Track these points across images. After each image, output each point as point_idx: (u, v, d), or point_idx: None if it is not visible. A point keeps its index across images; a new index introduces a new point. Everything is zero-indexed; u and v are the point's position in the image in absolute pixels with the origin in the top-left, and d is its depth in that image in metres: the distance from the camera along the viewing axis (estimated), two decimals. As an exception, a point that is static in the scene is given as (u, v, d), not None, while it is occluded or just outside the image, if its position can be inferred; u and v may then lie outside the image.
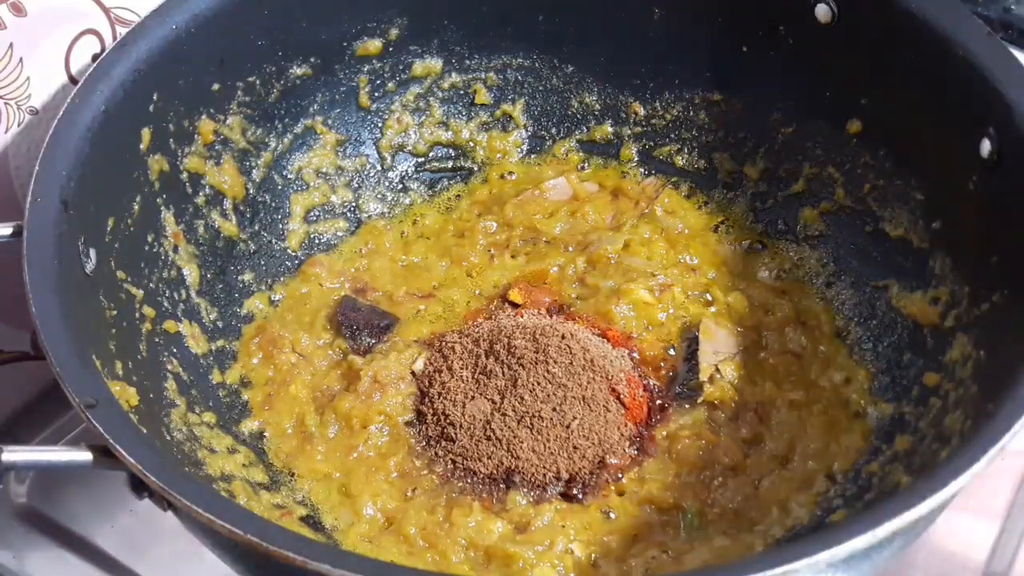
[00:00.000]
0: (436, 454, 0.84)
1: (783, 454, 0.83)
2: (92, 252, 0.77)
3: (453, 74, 0.99)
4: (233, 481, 0.78)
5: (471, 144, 1.01)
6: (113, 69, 0.81)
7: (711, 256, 0.94)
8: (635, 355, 0.88)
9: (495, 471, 0.82)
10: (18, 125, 0.86)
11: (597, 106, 1.01)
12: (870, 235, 0.89)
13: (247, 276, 0.94)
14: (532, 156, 1.01)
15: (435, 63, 0.98)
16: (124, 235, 0.82)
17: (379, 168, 1.00)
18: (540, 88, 1.01)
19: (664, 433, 0.84)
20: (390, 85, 0.98)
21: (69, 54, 0.86)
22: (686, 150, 0.99)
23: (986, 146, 0.77)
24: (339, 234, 0.99)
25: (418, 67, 0.98)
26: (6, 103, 0.84)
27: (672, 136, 1.00)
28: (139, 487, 0.66)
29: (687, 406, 0.85)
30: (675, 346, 0.89)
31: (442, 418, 0.84)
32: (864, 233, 0.90)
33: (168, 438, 0.76)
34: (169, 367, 0.83)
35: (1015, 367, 0.66)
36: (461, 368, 0.85)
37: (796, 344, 0.89)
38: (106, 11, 0.87)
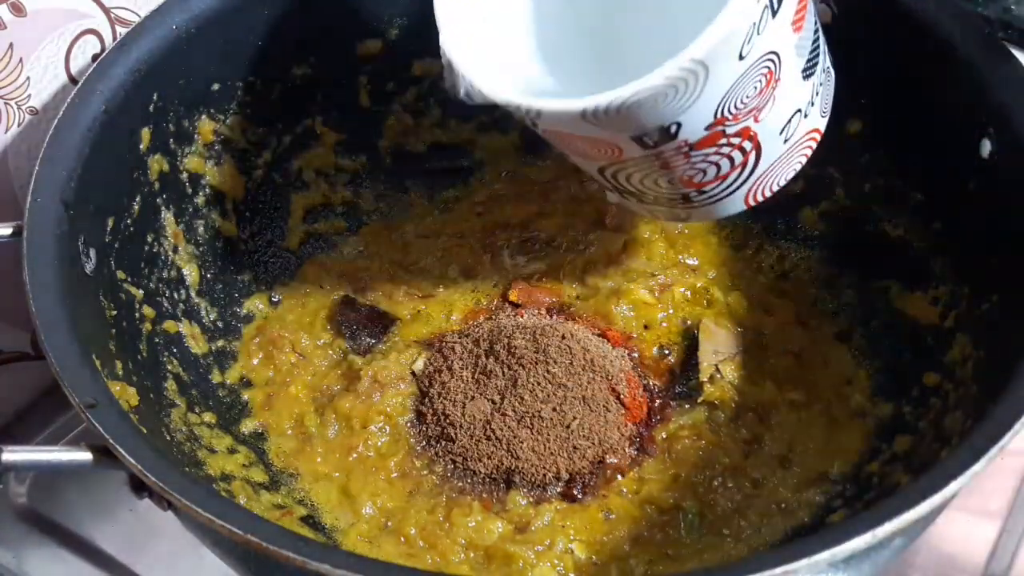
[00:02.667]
0: (436, 454, 0.84)
1: (783, 454, 0.83)
2: (92, 252, 0.77)
3: (453, 74, 0.99)
4: (233, 481, 0.78)
5: (471, 144, 1.01)
6: (113, 69, 0.81)
7: (711, 256, 0.94)
8: (635, 355, 0.88)
9: (495, 471, 0.82)
10: (18, 125, 0.86)
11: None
12: (870, 235, 0.89)
13: (247, 276, 0.94)
14: (531, 156, 1.01)
15: (435, 63, 0.98)
16: (124, 235, 0.82)
17: (379, 168, 1.00)
18: (540, 88, 1.01)
19: (664, 433, 0.84)
20: (390, 85, 0.98)
21: (69, 54, 0.86)
22: (686, 150, 0.99)
23: (986, 146, 0.77)
24: (339, 234, 0.99)
25: (418, 67, 0.98)
26: (6, 103, 0.84)
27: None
28: (139, 487, 0.66)
29: (687, 406, 0.86)
30: (675, 346, 0.89)
31: (442, 418, 0.84)
32: (864, 233, 0.90)
33: (168, 438, 0.76)
34: (169, 367, 0.83)
35: (1015, 367, 0.66)
36: (461, 368, 0.85)
37: (796, 344, 0.89)
38: (106, 11, 0.87)
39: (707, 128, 0.70)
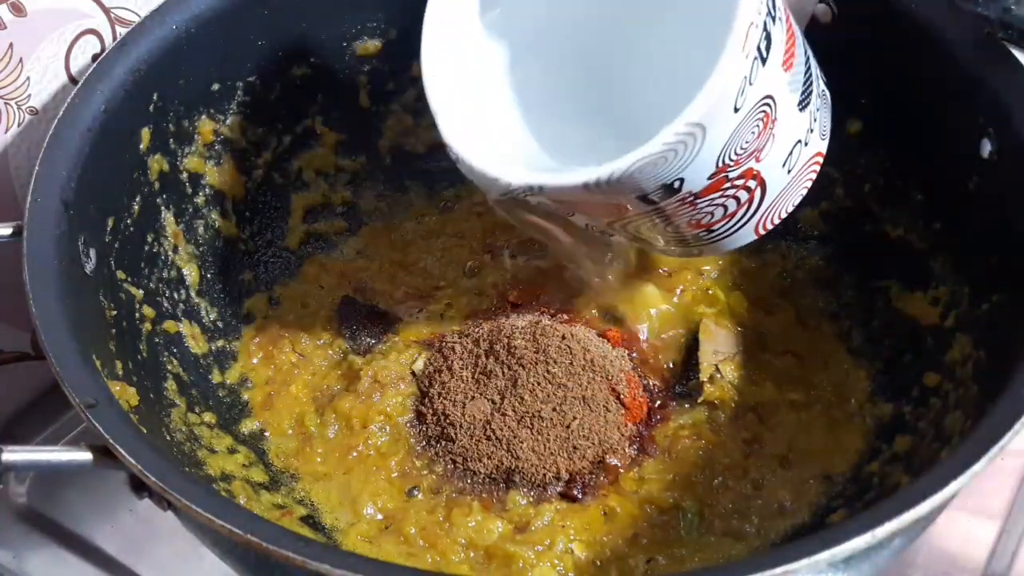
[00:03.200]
0: (436, 454, 0.84)
1: (783, 454, 0.83)
2: (92, 252, 0.77)
3: (453, 74, 0.99)
4: (233, 481, 0.78)
5: (471, 144, 1.01)
6: (113, 69, 0.81)
7: (711, 256, 0.94)
8: (635, 355, 0.88)
9: (495, 471, 0.82)
10: (18, 125, 0.86)
11: (597, 106, 1.01)
12: (870, 235, 0.89)
13: (247, 276, 0.94)
14: (532, 156, 1.01)
15: (435, 63, 0.98)
16: (124, 235, 0.82)
17: (379, 168, 1.00)
18: (540, 88, 1.01)
19: (664, 433, 0.84)
20: (390, 85, 0.98)
21: (69, 54, 0.86)
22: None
23: (986, 146, 0.77)
24: (339, 234, 0.99)
25: (417, 67, 0.97)
26: (6, 103, 0.84)
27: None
28: (139, 487, 0.66)
29: (687, 406, 0.85)
30: (675, 346, 0.89)
31: (442, 418, 0.84)
32: (864, 233, 0.90)
33: (168, 438, 0.76)
34: (169, 367, 0.83)
35: (1015, 367, 0.66)
36: (461, 368, 0.85)
37: (796, 344, 0.89)
38: (106, 11, 0.87)
39: (710, 177, 0.70)
